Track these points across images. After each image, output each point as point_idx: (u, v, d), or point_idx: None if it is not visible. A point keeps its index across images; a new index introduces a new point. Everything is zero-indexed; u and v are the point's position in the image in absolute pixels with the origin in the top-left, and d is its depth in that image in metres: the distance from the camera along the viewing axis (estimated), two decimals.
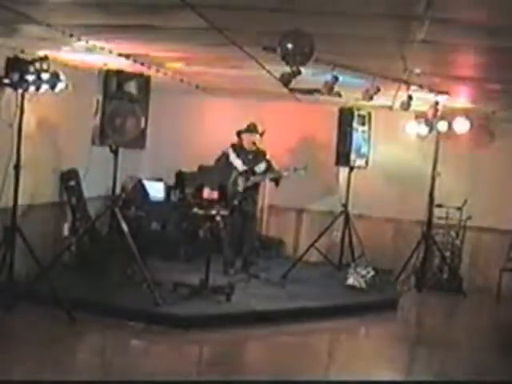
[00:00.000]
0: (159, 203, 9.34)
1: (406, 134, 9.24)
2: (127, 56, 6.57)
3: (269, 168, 8.49)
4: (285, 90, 7.05)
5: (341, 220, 9.03)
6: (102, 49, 6.15)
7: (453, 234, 9.26)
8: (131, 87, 6.82)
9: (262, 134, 8.51)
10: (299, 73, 4.96)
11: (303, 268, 8.85)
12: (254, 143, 8.48)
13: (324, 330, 7.21)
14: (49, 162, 7.84)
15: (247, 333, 6.70)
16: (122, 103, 6.74)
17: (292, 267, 8.69)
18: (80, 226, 8.10)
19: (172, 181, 9.82)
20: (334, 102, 8.00)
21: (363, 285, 8.18)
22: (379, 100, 7.23)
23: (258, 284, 8.06)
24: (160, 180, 9.67)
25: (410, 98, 7.01)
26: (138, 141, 6.94)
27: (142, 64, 6.95)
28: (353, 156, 8.95)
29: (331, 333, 7.31)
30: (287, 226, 10.25)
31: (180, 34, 5.35)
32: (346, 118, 8.95)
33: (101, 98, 6.64)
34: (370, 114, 9.23)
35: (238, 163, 8.44)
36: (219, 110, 10.19)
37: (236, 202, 8.24)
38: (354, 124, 8.95)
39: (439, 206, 9.08)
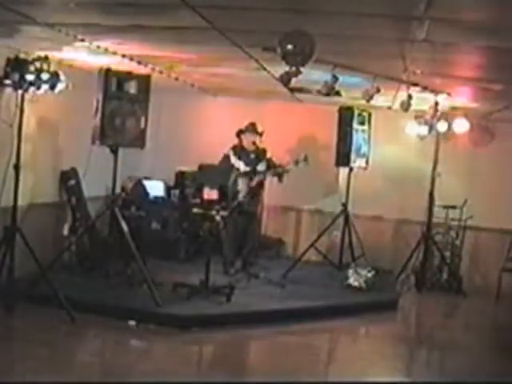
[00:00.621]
0: (159, 203, 9.32)
1: (406, 134, 9.23)
2: (126, 56, 6.57)
3: (270, 165, 8.49)
4: (285, 90, 7.04)
5: (341, 220, 9.03)
6: (101, 48, 6.14)
7: (453, 234, 9.25)
8: (131, 87, 6.84)
9: (261, 134, 8.52)
10: (299, 73, 4.96)
11: (303, 268, 8.84)
12: (253, 143, 8.49)
13: (324, 329, 7.21)
14: (49, 161, 7.84)
15: (247, 333, 6.70)
16: (121, 103, 6.75)
17: (292, 267, 8.70)
18: (80, 225, 8.09)
19: (172, 181, 9.82)
20: (334, 101, 8.00)
21: (363, 285, 8.17)
22: (379, 100, 7.23)
23: (258, 284, 8.05)
24: (160, 180, 9.68)
25: (410, 97, 7.00)
26: (138, 141, 6.95)
27: (139, 63, 6.93)
28: (353, 156, 8.96)
29: (331, 333, 7.32)
30: (287, 225, 10.24)
31: (180, 35, 5.35)
32: (345, 118, 8.96)
33: (101, 97, 6.63)
34: (370, 114, 9.24)
35: (240, 165, 8.44)
36: (219, 109, 10.18)
37: (237, 203, 8.23)
38: (354, 124, 8.97)
39: (439, 206, 9.08)
